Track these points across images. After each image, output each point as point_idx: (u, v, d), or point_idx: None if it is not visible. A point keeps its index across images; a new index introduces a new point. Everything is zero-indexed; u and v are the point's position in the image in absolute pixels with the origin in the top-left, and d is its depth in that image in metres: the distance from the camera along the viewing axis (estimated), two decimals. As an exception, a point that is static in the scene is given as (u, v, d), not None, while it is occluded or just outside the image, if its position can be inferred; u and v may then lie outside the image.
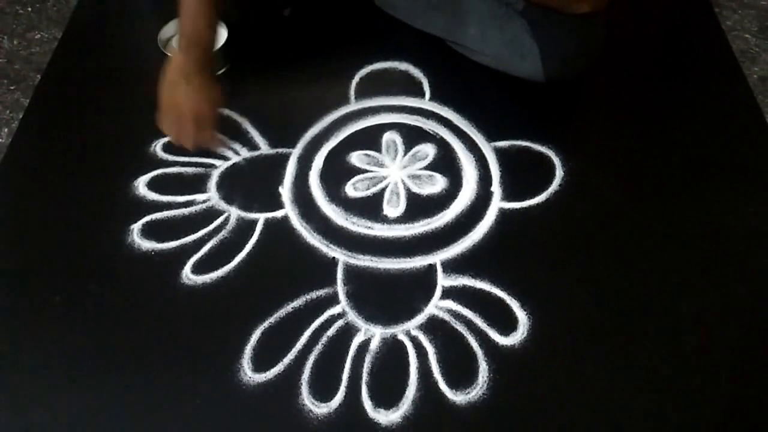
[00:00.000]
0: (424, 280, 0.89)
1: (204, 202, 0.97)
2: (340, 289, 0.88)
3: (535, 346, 0.83)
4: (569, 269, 0.91)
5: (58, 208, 0.98)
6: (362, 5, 1.20)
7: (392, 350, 0.83)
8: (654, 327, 0.85)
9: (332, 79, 1.13)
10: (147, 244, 0.93)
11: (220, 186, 0.99)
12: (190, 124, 0.94)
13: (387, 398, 0.79)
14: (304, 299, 0.87)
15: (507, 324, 0.85)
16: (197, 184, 0.99)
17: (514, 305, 0.86)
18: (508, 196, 0.98)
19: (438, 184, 0.99)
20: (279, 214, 0.96)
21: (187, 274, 0.90)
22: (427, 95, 1.10)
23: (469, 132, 1.05)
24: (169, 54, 1.13)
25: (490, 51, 1.07)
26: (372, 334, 0.84)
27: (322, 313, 0.86)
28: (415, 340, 0.84)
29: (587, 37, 1.04)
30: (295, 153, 1.03)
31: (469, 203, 0.97)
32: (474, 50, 1.09)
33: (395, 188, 0.99)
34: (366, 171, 1.01)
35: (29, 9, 1.29)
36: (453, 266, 0.90)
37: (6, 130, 1.08)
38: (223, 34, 1.13)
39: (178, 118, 0.94)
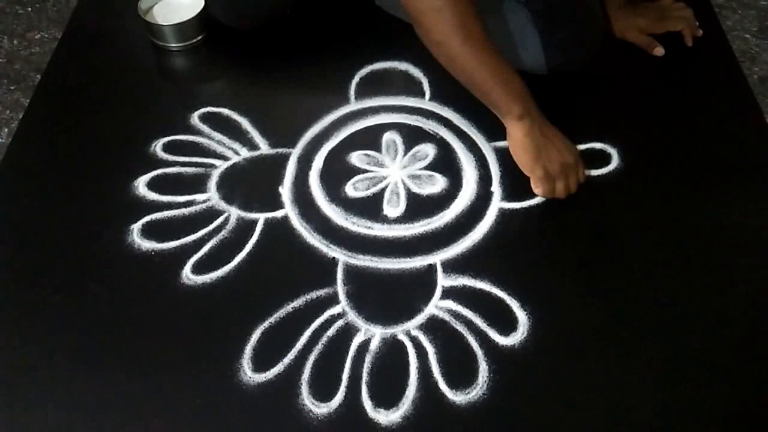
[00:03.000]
0: (424, 280, 0.89)
1: (204, 202, 0.97)
2: (340, 289, 0.88)
3: (535, 346, 0.83)
4: (569, 269, 0.91)
5: (58, 207, 0.98)
6: (362, 5, 1.20)
7: (392, 350, 0.83)
8: (654, 327, 0.85)
9: (332, 79, 1.13)
10: (147, 244, 0.93)
11: (220, 186, 0.99)
12: (579, 170, 0.95)
13: (387, 398, 0.79)
14: (304, 299, 0.87)
15: (507, 324, 0.85)
16: (197, 184, 0.99)
17: (514, 305, 0.86)
18: (508, 196, 0.98)
19: (438, 184, 0.99)
20: (279, 214, 0.96)
21: (187, 274, 0.90)
22: (427, 95, 1.10)
23: (469, 132, 1.05)
24: (150, 21, 1.13)
25: None
26: (372, 334, 0.84)
27: (322, 313, 0.86)
28: (415, 340, 0.84)
29: (588, 28, 1.04)
30: (295, 153, 1.03)
31: (469, 203, 0.97)
32: None
33: (395, 188, 0.99)
34: (366, 171, 1.01)
35: (29, 9, 1.29)
36: (453, 266, 0.90)
37: (6, 130, 1.08)
38: (200, 2, 1.13)
39: (563, 172, 0.93)
